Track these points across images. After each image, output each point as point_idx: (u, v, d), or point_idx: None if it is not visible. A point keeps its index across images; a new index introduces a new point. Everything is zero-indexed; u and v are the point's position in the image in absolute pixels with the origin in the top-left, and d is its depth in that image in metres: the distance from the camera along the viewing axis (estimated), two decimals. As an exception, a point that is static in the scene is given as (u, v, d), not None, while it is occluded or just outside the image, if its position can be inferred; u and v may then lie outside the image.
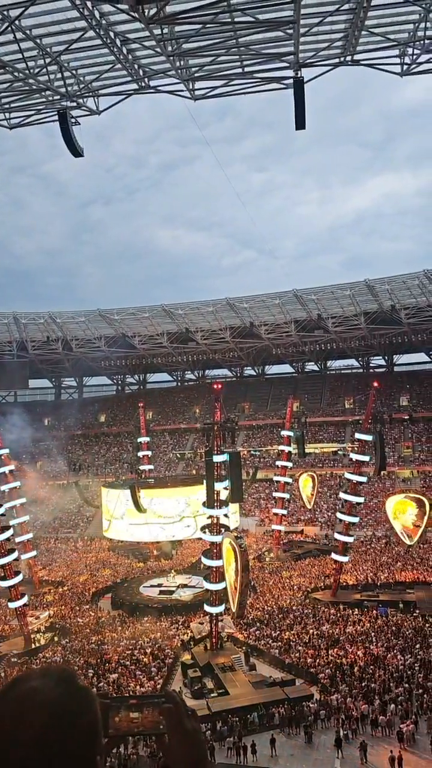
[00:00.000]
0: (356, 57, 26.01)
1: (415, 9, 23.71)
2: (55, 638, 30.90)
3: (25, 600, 30.68)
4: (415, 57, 25.55)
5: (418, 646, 26.11)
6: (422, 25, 24.21)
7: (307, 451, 53.44)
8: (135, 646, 28.65)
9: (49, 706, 1.24)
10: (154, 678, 25.15)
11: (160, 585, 38.14)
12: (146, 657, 27.28)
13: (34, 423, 74.37)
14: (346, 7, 23.23)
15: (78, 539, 55.39)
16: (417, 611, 30.68)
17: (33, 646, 29.80)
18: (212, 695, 23.90)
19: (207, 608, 28.67)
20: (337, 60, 26.18)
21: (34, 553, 40.63)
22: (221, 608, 28.61)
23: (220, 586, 28.76)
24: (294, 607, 32.48)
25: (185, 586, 37.59)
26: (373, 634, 27.74)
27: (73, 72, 26.83)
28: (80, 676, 1.35)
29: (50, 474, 68.22)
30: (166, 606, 34.44)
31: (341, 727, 20.76)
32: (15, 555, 31.28)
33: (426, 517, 37.58)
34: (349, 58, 25.96)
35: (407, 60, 25.87)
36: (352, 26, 24.31)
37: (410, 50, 25.57)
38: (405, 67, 26.01)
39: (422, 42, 24.64)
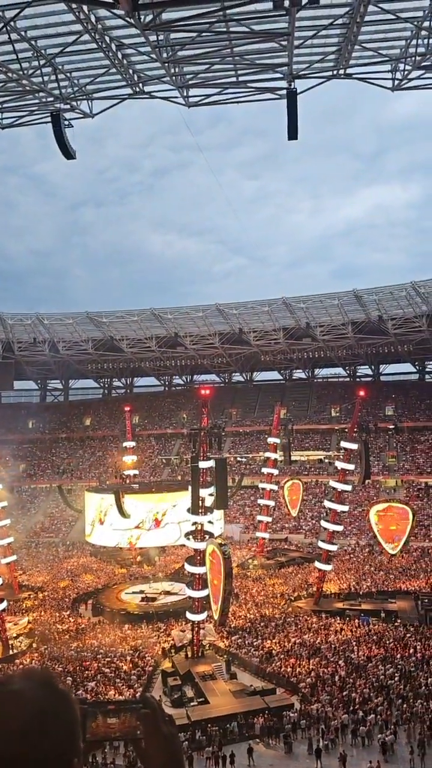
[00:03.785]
0: (349, 70, 26.34)
1: (407, 26, 24.09)
2: (34, 645, 30.50)
3: (3, 605, 30.23)
4: (406, 73, 25.93)
5: (398, 656, 26.18)
6: (414, 41, 24.60)
7: (293, 458, 53.60)
8: (115, 654, 28.37)
9: (29, 708, 1.26)
10: (134, 686, 24.91)
11: (142, 591, 37.89)
12: (126, 665, 27.02)
13: (18, 425, 73.80)
14: (339, 21, 23.53)
15: (60, 544, 54.87)
16: (398, 621, 30.80)
17: (11, 652, 29.37)
18: (192, 704, 23.71)
19: (189, 616, 28.50)
20: (330, 73, 26.48)
21: (14, 557, 40.14)
22: (203, 616, 28.47)
23: (202, 594, 28.62)
24: (276, 616, 32.42)
25: (168, 592, 37.38)
26: (354, 643, 27.78)
27: (68, 74, 26.82)
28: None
29: (33, 477, 67.63)
30: (147, 613, 34.20)
31: (322, 737, 20.71)
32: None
33: (409, 527, 37.81)
34: (341, 71, 26.28)
35: (398, 75, 26.25)
36: (346, 40, 24.61)
37: (402, 66, 25.97)
38: (396, 82, 26.39)
39: (413, 58, 25.02)
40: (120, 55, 25.64)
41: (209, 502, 29.44)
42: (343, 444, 35.96)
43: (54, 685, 1.34)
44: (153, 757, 1.42)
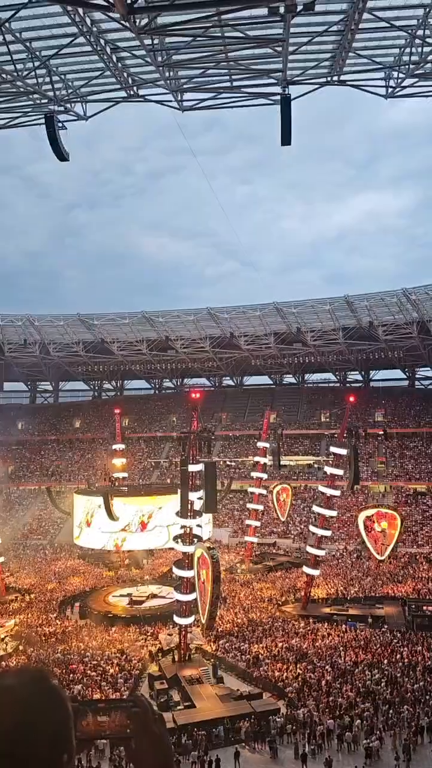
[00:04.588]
0: (343, 77, 26.52)
1: (401, 34, 24.34)
2: (20, 647, 30.22)
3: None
4: (399, 81, 26.17)
5: (385, 661, 26.23)
6: (408, 50, 24.85)
7: (282, 463, 53.68)
8: (102, 657, 28.18)
9: (21, 704, 1.27)
10: (120, 689, 24.74)
11: (129, 594, 37.69)
12: (113, 668, 26.85)
13: (7, 426, 73.23)
14: (334, 28, 23.73)
15: (48, 546, 54.48)
16: (385, 626, 30.87)
17: (-4, 654, 29.08)
18: (178, 708, 23.59)
19: (176, 619, 28.38)
20: (324, 79, 26.65)
21: (1, 559, 39.84)
22: (191, 619, 28.36)
23: (190, 597, 28.53)
24: (264, 620, 32.38)
25: (155, 596, 37.21)
26: (341, 648, 27.80)
27: (62, 77, 26.78)
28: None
29: (21, 479, 67.12)
30: (135, 616, 34.02)
31: (307, 742, 20.69)
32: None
33: (397, 533, 37.99)
34: (335, 77, 26.46)
35: (392, 83, 26.48)
36: (340, 47, 24.81)
37: (395, 74, 26.21)
38: (390, 90, 26.62)
39: (407, 66, 25.26)
40: (115, 58, 25.66)
41: (198, 505, 29.39)
42: (333, 449, 36.07)
43: (46, 681, 1.34)
44: (144, 756, 1.41)
